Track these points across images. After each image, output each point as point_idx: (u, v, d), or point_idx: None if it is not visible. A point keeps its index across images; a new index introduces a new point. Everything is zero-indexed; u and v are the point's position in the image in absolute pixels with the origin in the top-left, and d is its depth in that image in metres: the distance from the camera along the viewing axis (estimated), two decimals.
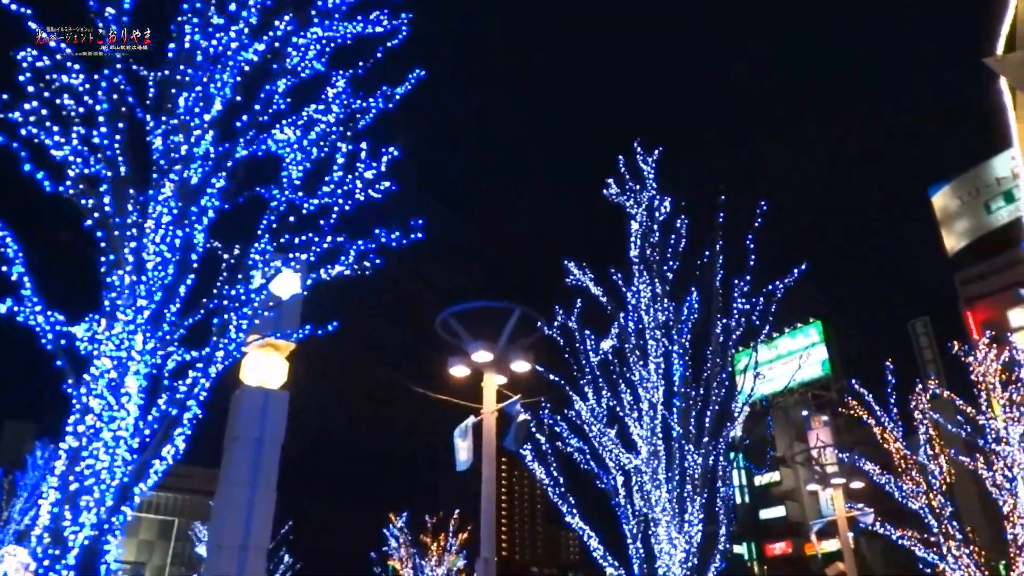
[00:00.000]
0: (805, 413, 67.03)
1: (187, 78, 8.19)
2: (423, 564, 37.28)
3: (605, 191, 16.80)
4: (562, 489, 14.95)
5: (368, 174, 8.64)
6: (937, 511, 19.52)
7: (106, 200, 7.67)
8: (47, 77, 7.69)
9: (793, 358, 65.88)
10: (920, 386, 21.30)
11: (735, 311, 15.19)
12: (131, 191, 7.76)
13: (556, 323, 15.69)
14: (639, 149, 16.82)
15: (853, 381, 22.08)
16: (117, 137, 7.82)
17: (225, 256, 8.26)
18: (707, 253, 15.64)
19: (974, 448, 20.38)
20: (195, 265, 8.02)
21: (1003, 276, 48.12)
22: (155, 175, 7.92)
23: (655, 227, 16.23)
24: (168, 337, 7.67)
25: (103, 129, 7.79)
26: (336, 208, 8.57)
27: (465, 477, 12.10)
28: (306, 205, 8.51)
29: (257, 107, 8.57)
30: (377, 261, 8.55)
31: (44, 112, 7.56)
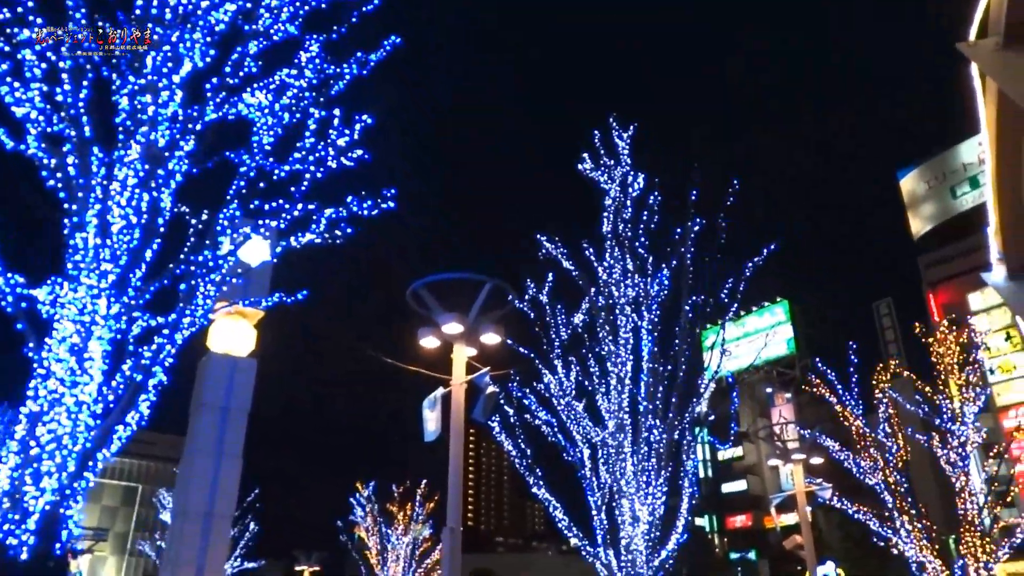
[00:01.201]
0: (769, 390, 68.26)
1: (155, 37, 7.97)
2: (389, 533, 37.52)
3: (579, 166, 16.80)
4: (529, 461, 15.11)
5: (341, 142, 8.53)
6: (892, 487, 20.07)
7: (70, 160, 7.48)
8: (7, 31, 7.43)
9: (759, 336, 66.93)
10: (881, 366, 21.76)
11: (704, 289, 15.36)
12: (96, 152, 7.57)
13: (527, 297, 15.73)
14: (614, 125, 16.81)
15: (817, 360, 22.49)
16: (82, 96, 7.61)
17: (193, 221, 8.12)
18: (679, 230, 15.74)
19: (930, 427, 20.94)
20: (162, 230, 7.88)
21: (966, 260, 49.16)
22: (121, 136, 7.72)
23: (628, 203, 16.29)
24: (133, 302, 7.54)
25: (67, 87, 7.57)
26: (307, 175, 8.45)
27: (433, 448, 12.14)
28: (277, 171, 8.38)
29: (228, 69, 8.38)
30: (348, 230, 8.47)
31: (4, 67, 7.32)
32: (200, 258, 7.96)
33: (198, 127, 8.17)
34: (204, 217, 8.13)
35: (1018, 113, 5.66)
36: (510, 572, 71.49)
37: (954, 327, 21.69)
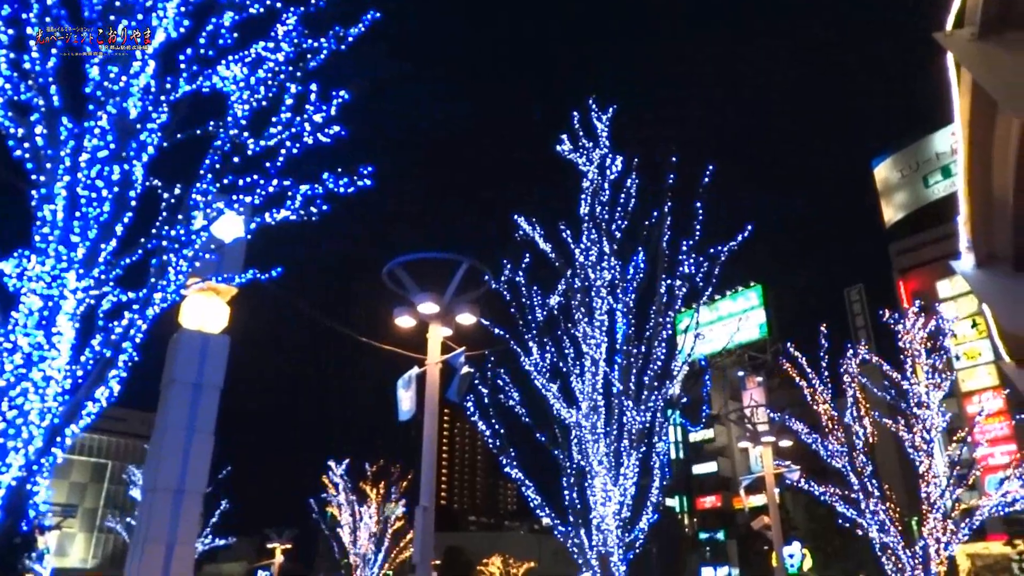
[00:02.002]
0: (741, 373, 69.11)
1: (127, 4, 7.78)
2: (362, 511, 37.60)
3: (558, 147, 16.76)
4: (502, 441, 15.19)
5: (317, 117, 8.41)
6: (858, 470, 20.48)
7: (38, 130, 7.31)
8: None
9: (732, 320, 67.59)
10: (851, 351, 22.11)
11: (679, 272, 15.46)
12: (65, 122, 7.41)
13: (504, 277, 15.74)
14: (593, 106, 16.78)
15: (788, 344, 22.79)
16: (50, 64, 7.43)
17: (165, 195, 7.98)
18: (655, 213, 15.80)
19: (897, 411, 21.36)
20: (133, 203, 7.74)
21: (935, 248, 49.96)
22: (91, 107, 7.56)
23: (606, 185, 16.31)
24: (103, 276, 7.42)
25: (35, 55, 7.38)
26: (283, 151, 8.34)
27: (407, 427, 12.16)
28: (252, 146, 8.25)
29: (202, 41, 8.21)
30: (324, 207, 8.39)
31: None
32: (173, 233, 7.84)
33: (171, 99, 8.02)
34: (177, 191, 8.00)
35: (990, 104, 5.74)
36: (482, 550, 72.06)
37: (922, 314, 22.09)
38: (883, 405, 23.19)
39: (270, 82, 8.44)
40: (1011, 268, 8.30)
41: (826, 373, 21.81)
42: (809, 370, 21.85)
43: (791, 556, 39.92)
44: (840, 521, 21.88)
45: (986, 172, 7.08)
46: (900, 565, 19.78)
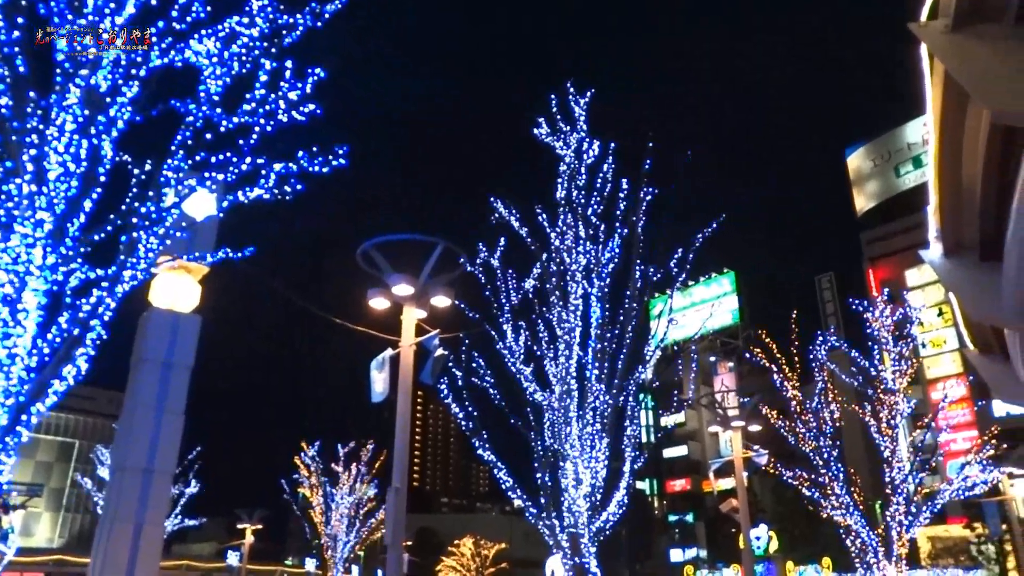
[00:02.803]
0: (713, 359, 69.88)
1: None
2: (334, 492, 37.57)
3: (535, 130, 16.71)
4: (475, 424, 15.24)
5: (292, 95, 8.29)
6: (825, 454, 20.87)
7: (3, 102, 7.12)
8: None
9: (705, 306, 68.27)
10: (820, 338, 22.45)
11: (654, 258, 15.55)
12: (32, 94, 7.22)
13: (479, 260, 15.72)
14: (571, 90, 16.73)
15: (760, 330, 23.06)
16: (16, 34, 7.23)
17: (136, 171, 7.84)
18: (624, 195, 15.82)
19: (863, 397, 21.76)
20: (102, 178, 7.58)
21: (905, 238, 50.77)
22: (59, 78, 7.38)
23: (582, 170, 16.31)
24: (71, 253, 7.28)
25: None
26: (257, 128, 8.21)
27: (380, 409, 12.15)
28: (224, 123, 8.11)
29: (175, 14, 8.03)
30: (298, 186, 8.30)
31: None
32: (143, 210, 7.71)
33: (142, 73, 7.85)
34: (148, 167, 7.86)
35: (962, 95, 5.81)
36: (454, 531, 72.44)
37: (891, 302, 22.46)
38: (850, 391, 23.61)
39: (244, 58, 8.29)
40: (977, 258, 8.46)
41: (796, 359, 22.13)
42: (779, 356, 22.15)
43: (758, 538, 40.65)
44: (806, 504, 22.30)
45: (956, 162, 7.19)
46: (863, 547, 20.24)
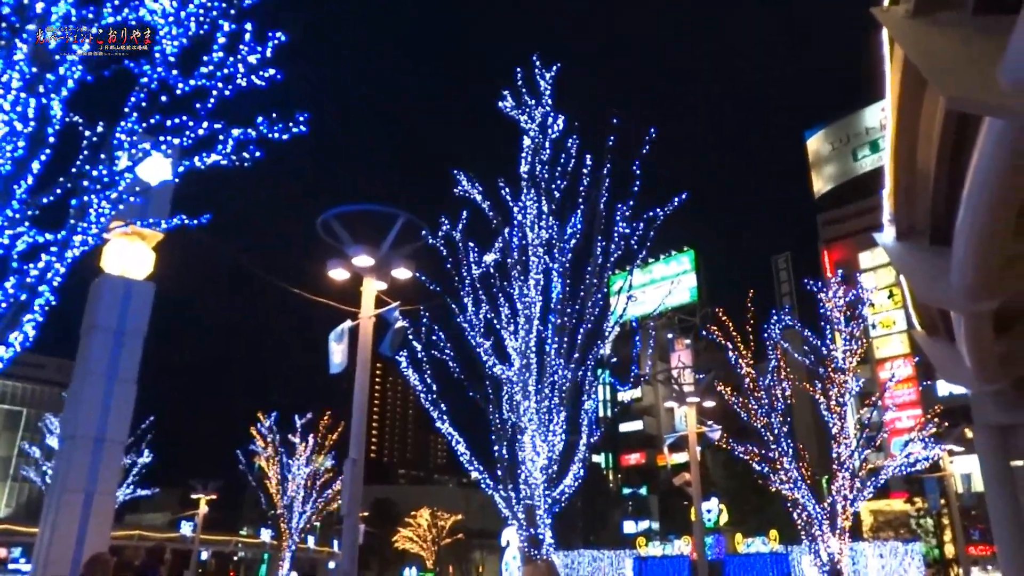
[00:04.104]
0: (670, 336, 70.87)
1: None
2: (290, 463, 37.37)
3: (500, 104, 16.59)
4: (434, 396, 15.24)
5: (252, 59, 8.08)
6: (775, 430, 21.38)
7: None
8: None
9: (665, 284, 69.02)
10: (775, 317, 22.87)
11: (615, 234, 15.61)
12: None
13: (441, 233, 15.63)
14: (537, 64, 16.61)
15: (717, 308, 23.40)
16: None
17: (87, 133, 7.59)
18: (584, 168, 15.82)
19: (814, 375, 22.29)
20: (51, 140, 7.33)
21: (860, 220, 51.86)
22: (5, 33, 7.08)
23: (547, 144, 16.26)
24: (17, 216, 7.04)
25: None
26: (214, 92, 7.99)
27: (338, 380, 12.07)
28: (180, 85, 7.88)
29: None
30: (257, 153, 8.12)
31: None
32: (95, 173, 7.48)
33: (94, 30, 7.56)
34: (99, 129, 7.61)
35: (920, 81, 5.92)
36: (411, 503, 72.79)
37: (844, 283, 22.96)
38: (802, 369, 24.16)
39: (202, 18, 8.04)
40: (928, 242, 8.68)
41: (751, 338, 22.52)
42: (735, 334, 22.53)
43: (709, 511, 41.64)
44: (756, 479, 22.86)
45: (911, 147, 7.33)
46: (809, 520, 20.87)
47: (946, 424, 26.02)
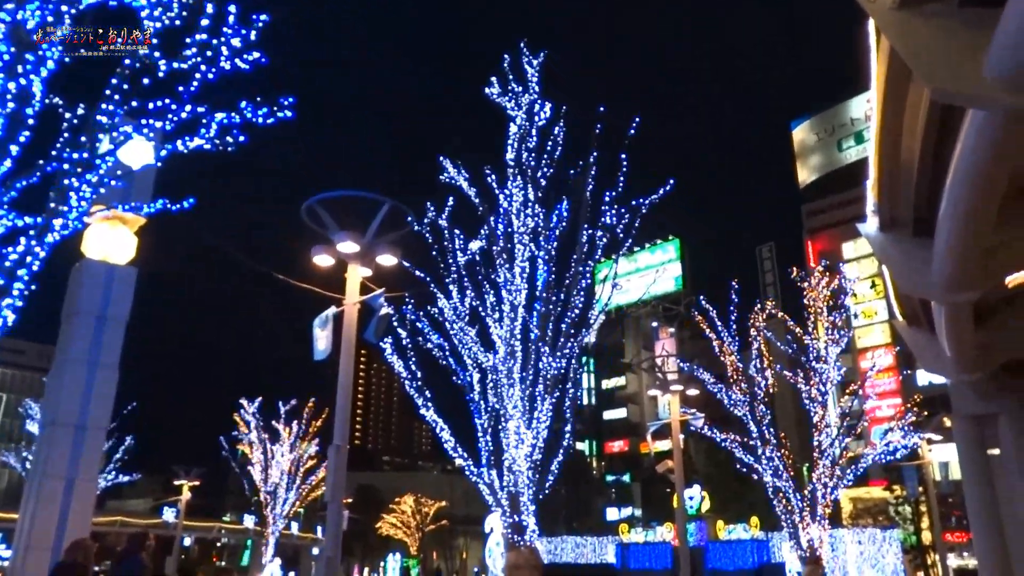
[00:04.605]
0: (655, 324, 71.13)
1: None
2: (274, 450, 37.30)
3: (487, 90, 16.52)
4: (419, 383, 15.24)
5: (235, 41, 7.98)
6: (758, 418, 21.56)
7: None
8: None
9: (649, 272, 69.26)
10: (759, 306, 23.01)
11: (601, 222, 15.62)
12: None
13: (426, 220, 15.58)
14: (524, 51, 16.54)
15: (701, 297, 23.51)
16: None
17: (68, 115, 7.48)
18: (571, 156, 15.83)
19: (797, 364, 22.47)
20: (31, 121, 7.22)
21: (844, 211, 52.17)
22: None
23: (533, 132, 16.21)
24: None
25: None
26: (198, 75, 7.90)
27: (323, 366, 12.03)
28: (162, 67, 7.78)
29: None
30: (241, 137, 8.04)
31: None
32: (76, 156, 7.38)
33: (74, 11, 7.44)
34: (80, 112, 7.50)
35: (905, 72, 5.94)
36: (395, 489, 72.87)
37: (827, 273, 23.14)
38: (784, 358, 24.34)
39: None
40: (910, 233, 8.75)
41: (734, 326, 22.66)
42: (719, 323, 22.66)
43: (691, 498, 41.97)
44: (738, 466, 23.06)
45: (895, 139, 7.37)
46: (790, 507, 21.10)
47: (925, 413, 26.36)
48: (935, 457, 30.64)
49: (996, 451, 12.16)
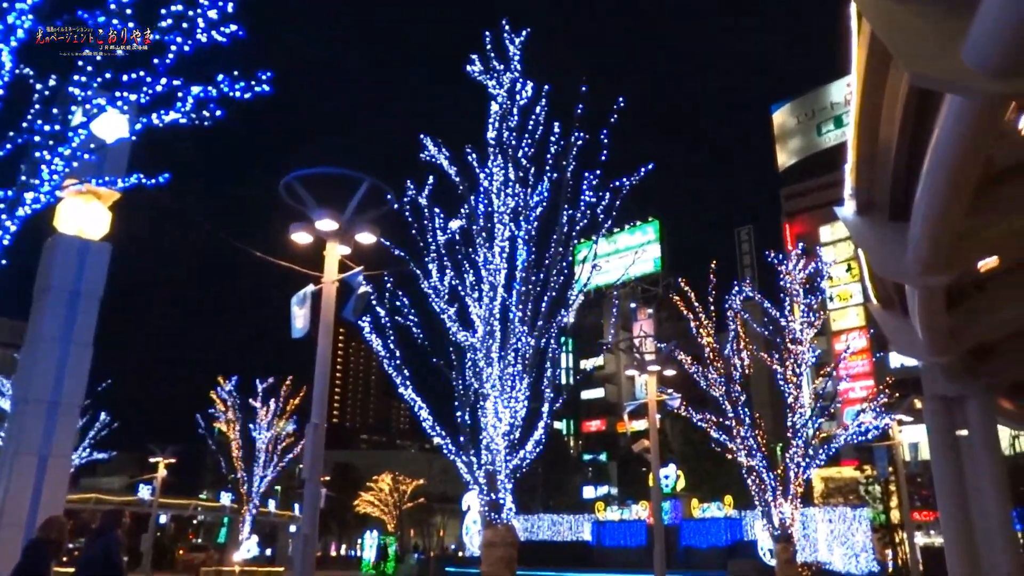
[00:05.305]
0: (633, 305, 71.55)
1: None
2: (252, 427, 37.20)
3: (468, 67, 16.37)
4: (397, 362, 15.22)
5: (212, 13, 7.82)
6: (733, 399, 21.81)
7: None
8: None
9: (629, 253, 69.45)
10: (736, 288, 23.18)
11: (582, 203, 15.61)
12: None
13: (406, 198, 15.48)
14: (506, 28, 16.39)
15: (679, 279, 23.65)
16: None
17: (38, 87, 7.31)
18: (556, 139, 15.76)
19: (772, 346, 22.74)
20: (0, 92, 7.05)
21: (822, 195, 52.61)
22: None
23: (515, 110, 16.12)
24: None
25: None
26: (173, 47, 7.74)
27: (301, 344, 11.98)
28: (137, 36, 7.61)
29: None
30: (218, 112, 7.91)
31: None
32: (47, 128, 7.23)
33: None
34: (52, 83, 7.34)
35: (885, 57, 5.98)
36: (373, 468, 73.02)
37: (804, 256, 23.35)
38: (761, 340, 24.61)
39: None
40: (886, 217, 8.85)
41: (712, 308, 22.84)
42: (696, 304, 22.83)
43: (667, 477, 42.51)
44: (713, 446, 23.35)
45: (874, 123, 7.43)
46: (763, 486, 21.44)
47: (897, 395, 26.80)
48: (905, 438, 31.20)
49: (964, 432, 12.41)
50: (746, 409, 21.89)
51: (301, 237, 11.57)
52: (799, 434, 21.44)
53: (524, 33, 16.40)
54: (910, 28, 4.97)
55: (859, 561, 33.29)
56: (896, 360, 43.10)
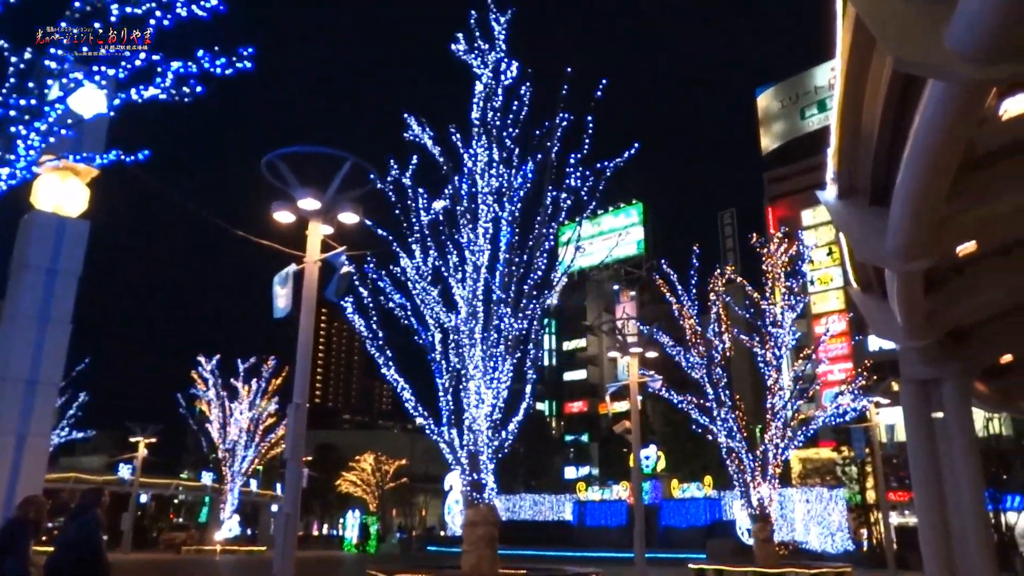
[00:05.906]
0: (616, 287, 71.74)
1: None
2: (233, 407, 37.09)
3: (452, 46, 16.23)
4: (380, 342, 15.20)
5: None
6: (714, 381, 22.01)
7: None
8: None
9: (612, 236, 69.54)
10: (719, 271, 23.31)
11: (566, 185, 15.59)
12: None
13: (389, 178, 15.38)
14: (492, 6, 16.24)
15: (663, 261, 23.74)
16: None
17: (13, 59, 7.17)
18: (536, 117, 15.71)
19: (753, 329, 22.92)
20: None
21: (804, 179, 52.77)
22: None
23: (499, 91, 16.02)
24: None
25: None
26: (152, 20, 7.60)
27: (284, 324, 11.91)
28: (115, 11, 7.47)
29: None
30: (198, 88, 7.80)
31: None
32: (22, 102, 7.10)
33: None
34: (27, 56, 7.19)
35: (869, 40, 5.98)
36: (355, 447, 73.07)
37: (786, 240, 23.51)
38: (742, 322, 24.79)
39: None
40: (868, 201, 8.90)
41: (694, 291, 22.98)
42: (679, 287, 22.94)
43: (647, 458, 42.92)
44: (693, 427, 23.58)
45: (857, 107, 7.45)
46: (742, 467, 21.70)
47: (874, 377, 27.14)
48: (882, 420, 31.61)
49: (940, 414, 12.60)
50: (726, 391, 22.10)
51: (284, 216, 11.47)
52: (778, 416, 21.68)
53: (509, 12, 16.28)
54: (895, 13, 4.97)
55: (835, 540, 33.87)
56: (874, 343, 43.57)
